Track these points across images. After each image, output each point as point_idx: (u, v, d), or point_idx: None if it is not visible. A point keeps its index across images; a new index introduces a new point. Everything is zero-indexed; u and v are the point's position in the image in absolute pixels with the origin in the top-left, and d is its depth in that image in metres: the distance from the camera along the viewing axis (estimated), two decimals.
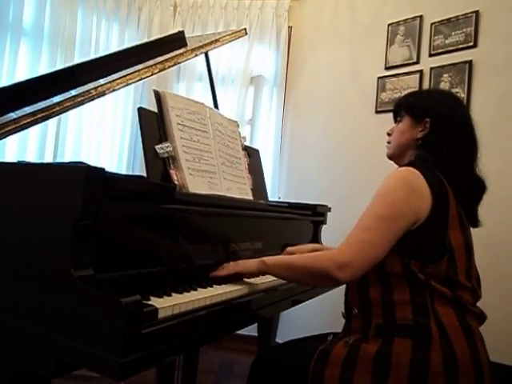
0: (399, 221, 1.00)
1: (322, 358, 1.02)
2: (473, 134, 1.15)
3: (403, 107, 1.22)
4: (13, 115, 1.15)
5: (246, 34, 2.13)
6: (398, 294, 1.01)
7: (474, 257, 1.10)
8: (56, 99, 1.22)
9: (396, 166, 1.22)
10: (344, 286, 1.16)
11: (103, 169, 0.84)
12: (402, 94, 1.36)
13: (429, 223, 1.01)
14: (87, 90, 1.26)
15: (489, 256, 2.01)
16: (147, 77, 1.45)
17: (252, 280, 1.24)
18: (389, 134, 1.26)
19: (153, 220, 1.05)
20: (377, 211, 1.02)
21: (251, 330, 1.86)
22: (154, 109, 1.31)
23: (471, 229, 1.13)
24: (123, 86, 1.36)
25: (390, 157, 1.25)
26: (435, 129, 1.13)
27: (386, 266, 1.02)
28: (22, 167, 0.97)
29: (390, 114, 1.31)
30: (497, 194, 2.07)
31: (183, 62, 1.67)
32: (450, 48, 2.37)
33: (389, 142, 1.25)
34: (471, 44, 2.29)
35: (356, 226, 1.03)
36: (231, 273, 1.17)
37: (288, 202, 1.83)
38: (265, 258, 1.16)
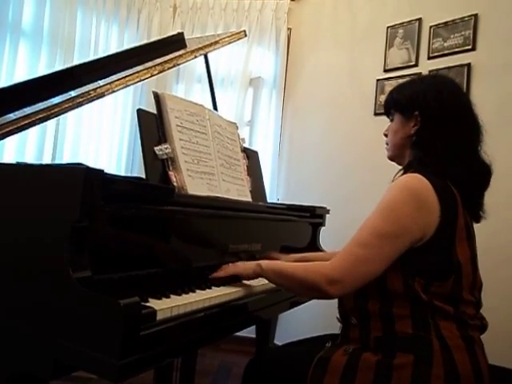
0: (403, 238, 0.93)
1: (321, 365, 1.00)
2: (469, 116, 1.06)
3: (391, 105, 1.15)
4: (12, 116, 1.15)
5: (246, 35, 2.13)
6: (397, 309, 0.96)
7: (478, 265, 1.05)
8: (55, 100, 1.22)
9: (397, 166, 1.16)
10: None
11: (102, 170, 0.84)
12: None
13: (436, 239, 0.95)
14: (86, 91, 1.26)
15: (490, 259, 2.00)
16: (146, 78, 1.45)
17: (250, 282, 1.23)
18: (386, 135, 1.19)
19: (151, 221, 1.05)
20: (378, 227, 0.95)
21: (249, 332, 1.86)
22: (154, 110, 1.31)
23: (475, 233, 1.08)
24: (122, 88, 1.36)
25: (391, 158, 1.18)
26: (426, 121, 1.05)
27: (386, 283, 0.97)
28: (20, 168, 0.97)
29: None
30: (498, 197, 2.07)
31: (182, 63, 1.68)
32: (449, 51, 2.37)
33: (387, 144, 1.18)
34: (470, 47, 2.29)
35: (354, 238, 0.97)
36: (229, 274, 1.16)
37: (287, 204, 1.83)
38: (262, 262, 1.14)
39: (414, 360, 0.91)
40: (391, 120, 1.17)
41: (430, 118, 1.05)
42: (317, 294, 1.00)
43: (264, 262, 1.14)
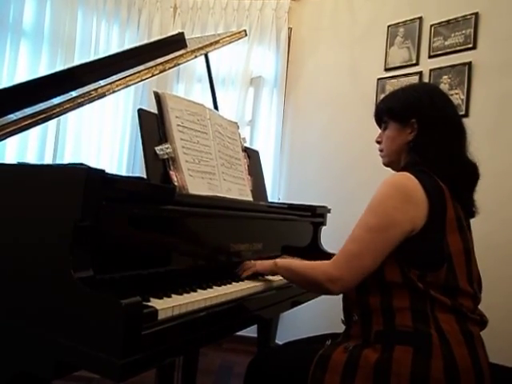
0: (393, 230, 0.97)
1: (322, 363, 1.01)
2: (457, 120, 1.12)
3: (384, 113, 1.19)
4: (13, 117, 1.15)
5: (246, 35, 2.13)
6: (397, 302, 0.99)
7: (475, 259, 1.07)
8: (56, 100, 1.22)
9: (393, 171, 1.19)
10: None
11: (103, 170, 0.84)
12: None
13: (426, 230, 0.98)
14: (87, 92, 1.26)
15: (491, 257, 2.01)
16: (147, 78, 1.45)
17: (250, 281, 1.25)
18: (378, 142, 1.22)
19: (152, 221, 1.05)
20: (366, 222, 1.01)
21: (251, 331, 1.86)
22: (154, 110, 1.31)
23: (471, 228, 1.11)
24: (123, 88, 1.36)
25: (387, 165, 1.22)
26: (423, 127, 1.10)
27: (385, 276, 1.00)
28: (22, 168, 0.97)
29: None
30: (498, 196, 2.07)
31: (183, 63, 1.68)
32: (450, 49, 2.37)
33: (381, 150, 1.22)
34: (470, 46, 2.29)
35: (348, 237, 1.03)
36: (250, 273, 1.28)
37: (288, 204, 1.83)
38: (278, 260, 1.24)
39: (412, 353, 0.92)
40: (384, 128, 1.21)
41: (426, 124, 1.10)
42: (320, 291, 1.08)
43: (279, 260, 1.23)
